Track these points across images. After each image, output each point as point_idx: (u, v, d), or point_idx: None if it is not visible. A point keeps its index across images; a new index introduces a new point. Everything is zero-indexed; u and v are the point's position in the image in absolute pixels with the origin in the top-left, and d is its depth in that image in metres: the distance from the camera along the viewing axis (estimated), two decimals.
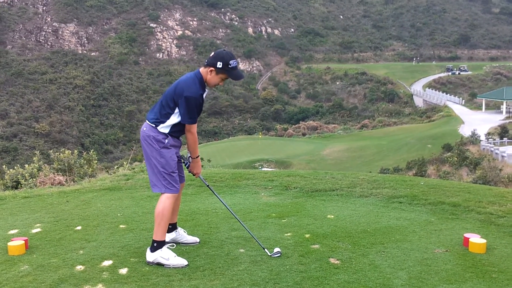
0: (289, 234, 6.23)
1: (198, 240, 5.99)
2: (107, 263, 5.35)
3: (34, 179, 11.15)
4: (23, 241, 5.77)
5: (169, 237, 5.82)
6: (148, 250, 5.40)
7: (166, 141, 5.43)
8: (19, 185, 11.19)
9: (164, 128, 5.41)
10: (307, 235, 6.17)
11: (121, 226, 6.64)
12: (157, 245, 5.38)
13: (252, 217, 6.94)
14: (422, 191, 8.16)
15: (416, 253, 5.61)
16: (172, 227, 5.89)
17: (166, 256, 5.35)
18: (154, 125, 5.41)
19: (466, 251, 5.70)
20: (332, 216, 6.97)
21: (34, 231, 6.50)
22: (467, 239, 5.81)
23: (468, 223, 6.72)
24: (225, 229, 6.43)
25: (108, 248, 5.80)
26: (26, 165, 12.33)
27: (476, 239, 5.76)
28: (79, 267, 5.23)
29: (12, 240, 5.82)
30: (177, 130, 5.46)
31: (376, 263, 5.31)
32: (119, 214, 7.21)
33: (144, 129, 5.50)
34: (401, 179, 9.28)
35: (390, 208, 7.41)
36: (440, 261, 5.38)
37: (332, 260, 5.36)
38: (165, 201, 5.47)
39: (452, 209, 7.26)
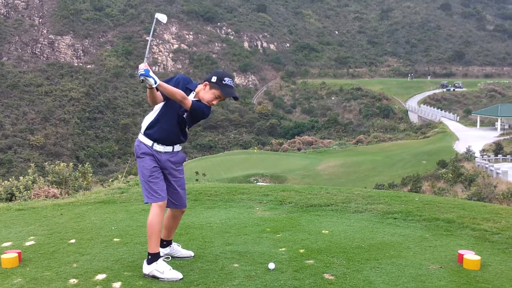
0: (283, 249, 6.21)
1: (192, 254, 5.97)
2: (100, 276, 5.31)
3: (28, 192, 11.12)
4: (17, 254, 5.74)
5: (163, 252, 5.79)
6: (145, 262, 5.38)
7: (139, 150, 5.52)
8: (14, 197, 11.15)
9: (141, 135, 5.58)
10: (301, 250, 6.16)
11: (115, 239, 6.61)
12: (151, 258, 5.35)
13: (247, 232, 6.92)
14: (417, 207, 8.16)
15: (411, 269, 5.60)
16: (166, 244, 5.86)
17: (161, 269, 5.30)
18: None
19: (460, 267, 5.69)
20: (327, 232, 6.97)
21: (27, 243, 6.47)
22: (461, 256, 5.80)
23: (462, 239, 6.72)
24: (220, 244, 6.40)
25: (101, 261, 5.77)
26: (21, 177, 12.29)
27: (470, 256, 5.75)
28: (73, 281, 5.19)
29: (5, 253, 5.79)
30: (152, 126, 5.51)
31: (371, 279, 5.30)
32: (113, 228, 7.18)
33: None
34: (396, 195, 9.29)
35: (385, 224, 7.41)
36: (434, 278, 5.37)
37: (326, 276, 5.35)
38: (152, 211, 5.40)
39: (446, 225, 7.26)
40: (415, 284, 5.19)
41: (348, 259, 5.89)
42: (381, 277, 5.36)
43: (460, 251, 5.91)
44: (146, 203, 5.51)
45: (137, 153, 5.53)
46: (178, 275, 5.29)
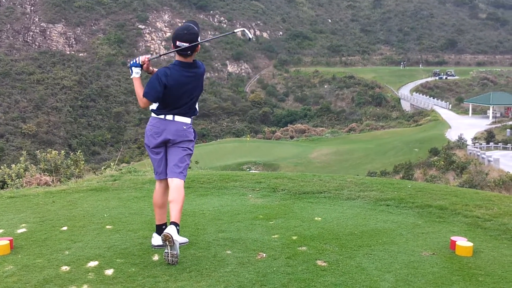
0: (276, 236, 6.21)
1: (187, 240, 5.97)
2: (92, 264, 5.30)
3: (20, 179, 11.06)
4: (8, 241, 5.71)
5: (160, 239, 5.76)
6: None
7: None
8: (5, 185, 11.10)
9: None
10: (294, 237, 6.15)
11: (107, 227, 6.59)
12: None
13: (240, 219, 6.91)
14: (409, 194, 8.16)
15: (403, 255, 5.61)
16: (165, 227, 5.79)
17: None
18: None
19: (453, 254, 5.70)
20: (320, 219, 6.97)
21: (19, 231, 6.44)
22: (454, 242, 5.82)
23: (455, 226, 6.74)
24: (212, 231, 6.39)
25: (94, 249, 5.75)
26: (13, 165, 12.24)
27: (463, 242, 5.77)
28: (65, 268, 5.18)
29: None
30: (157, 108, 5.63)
31: (363, 265, 5.31)
32: (105, 215, 7.15)
33: None
34: (389, 182, 9.29)
35: (378, 211, 7.41)
36: (427, 264, 5.39)
37: (319, 262, 5.35)
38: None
39: (439, 212, 7.27)
40: (407, 270, 5.21)
41: (341, 245, 5.89)
42: (374, 263, 5.37)
43: (453, 238, 5.93)
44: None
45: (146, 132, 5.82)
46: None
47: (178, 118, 5.61)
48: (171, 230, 5.18)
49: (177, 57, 5.56)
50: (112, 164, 14.68)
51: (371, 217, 7.10)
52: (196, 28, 5.56)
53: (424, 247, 5.92)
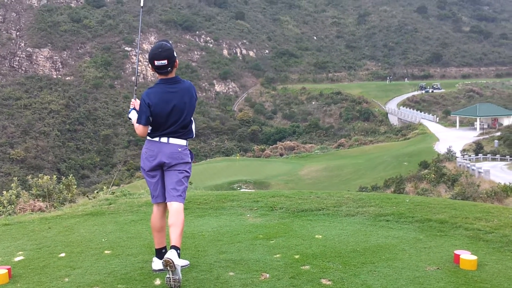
0: (278, 255, 6.14)
1: (188, 262, 5.89)
2: None
3: (12, 206, 10.95)
4: (6, 270, 5.61)
5: (161, 264, 5.67)
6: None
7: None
8: None
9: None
10: (296, 256, 6.09)
11: (106, 251, 6.49)
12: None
13: (240, 239, 6.84)
14: (408, 209, 8.13)
15: (408, 271, 5.56)
16: (165, 251, 5.72)
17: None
18: None
19: (457, 268, 5.67)
20: (320, 236, 6.91)
21: (16, 259, 6.33)
22: (457, 256, 5.78)
23: (456, 239, 6.70)
24: (213, 252, 6.32)
25: (94, 275, 5.66)
26: (4, 192, 12.12)
27: (467, 256, 5.73)
28: None
29: None
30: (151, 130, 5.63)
31: (369, 283, 5.25)
32: (103, 240, 7.05)
33: None
34: (386, 197, 9.26)
35: (378, 227, 7.36)
36: (432, 279, 5.34)
37: (324, 281, 5.29)
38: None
39: (439, 226, 7.24)
40: (413, 286, 5.16)
41: (344, 263, 5.83)
42: (379, 280, 5.32)
43: (456, 252, 5.89)
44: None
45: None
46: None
47: (172, 141, 5.57)
48: (171, 254, 5.10)
49: (159, 77, 5.60)
50: (105, 187, 14.59)
51: (372, 233, 7.05)
52: (169, 44, 5.60)
53: (428, 262, 5.87)
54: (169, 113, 5.51)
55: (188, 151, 5.72)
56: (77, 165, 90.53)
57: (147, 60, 5.62)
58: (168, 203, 5.58)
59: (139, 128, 5.54)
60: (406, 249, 6.31)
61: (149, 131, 5.61)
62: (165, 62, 5.45)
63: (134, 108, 5.74)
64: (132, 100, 5.84)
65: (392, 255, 6.09)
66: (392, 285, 5.19)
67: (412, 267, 5.68)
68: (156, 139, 5.58)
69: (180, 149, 5.60)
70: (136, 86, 6.17)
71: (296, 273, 5.52)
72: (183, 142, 5.65)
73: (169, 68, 5.52)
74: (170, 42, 5.70)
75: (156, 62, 5.44)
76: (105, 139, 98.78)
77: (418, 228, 7.21)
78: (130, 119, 5.74)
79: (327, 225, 7.50)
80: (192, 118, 5.76)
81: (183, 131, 5.63)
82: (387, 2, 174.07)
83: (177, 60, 5.59)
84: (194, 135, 5.84)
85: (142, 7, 6.45)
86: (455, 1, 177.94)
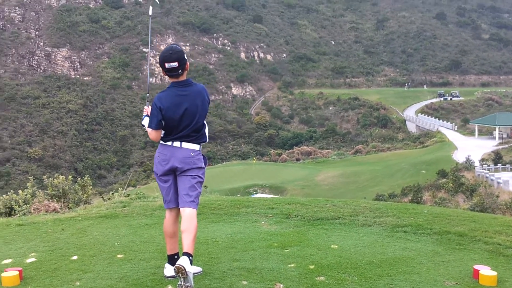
0: (293, 265, 6.03)
1: (201, 269, 5.81)
2: None
3: (27, 205, 10.93)
4: (18, 272, 5.56)
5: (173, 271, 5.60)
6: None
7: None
8: (13, 211, 10.97)
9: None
10: (311, 266, 5.98)
11: (118, 256, 6.43)
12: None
13: (254, 247, 6.73)
14: (427, 220, 7.97)
15: (425, 286, 5.43)
16: (177, 257, 5.64)
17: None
18: None
19: (476, 283, 5.52)
20: (336, 246, 6.78)
21: (28, 260, 6.29)
22: (477, 271, 5.62)
23: (476, 253, 6.53)
24: (227, 260, 6.22)
25: (105, 279, 5.59)
26: (20, 191, 12.11)
27: (486, 271, 5.57)
28: None
29: (6, 271, 5.61)
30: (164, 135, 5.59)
31: None
32: (116, 243, 6.99)
33: None
34: (404, 207, 9.10)
35: (395, 238, 7.21)
36: None
37: None
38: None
39: (458, 239, 7.07)
40: None
41: (360, 275, 5.71)
42: None
43: (476, 266, 5.73)
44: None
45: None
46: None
47: (185, 145, 5.51)
48: (183, 261, 5.02)
49: (170, 80, 5.56)
50: (120, 189, 14.54)
51: (389, 244, 6.90)
52: (179, 47, 5.56)
53: (446, 276, 5.73)
54: (181, 117, 5.44)
55: (202, 156, 5.64)
56: (94, 165, 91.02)
57: (159, 63, 5.57)
58: (181, 209, 5.51)
59: (152, 133, 5.50)
60: (424, 262, 6.17)
61: (162, 135, 5.54)
62: (175, 64, 5.39)
63: (147, 115, 5.69)
64: (145, 107, 5.80)
65: (409, 268, 5.95)
66: None
67: (430, 282, 5.54)
68: (169, 143, 5.52)
69: (193, 154, 5.52)
70: (148, 93, 6.10)
71: (311, 284, 5.42)
72: (196, 146, 5.57)
73: (180, 71, 5.45)
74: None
75: (166, 65, 5.39)
76: (122, 140, 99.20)
77: (436, 241, 7.05)
78: (143, 125, 5.70)
79: (343, 235, 7.37)
80: (205, 122, 5.68)
81: (195, 135, 5.55)
82: (406, 8, 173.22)
83: (188, 63, 5.53)
84: (208, 139, 5.76)
85: (150, 15, 6.40)
86: (474, 8, 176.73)
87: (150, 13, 6.42)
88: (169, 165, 5.50)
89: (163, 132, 5.54)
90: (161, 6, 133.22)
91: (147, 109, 5.71)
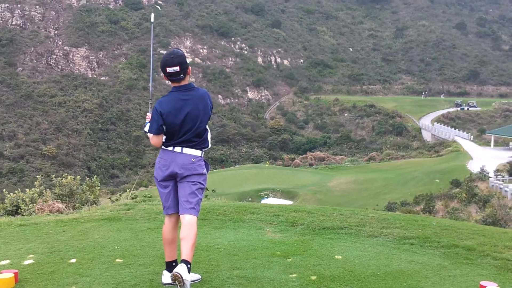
0: (294, 275, 5.88)
1: (200, 277, 5.68)
2: None
3: (34, 204, 10.88)
4: (13, 274, 5.46)
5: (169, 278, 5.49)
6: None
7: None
8: (19, 209, 10.93)
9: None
10: (313, 277, 5.82)
11: (117, 260, 6.32)
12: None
13: (256, 255, 6.59)
14: (435, 233, 7.78)
15: None
16: (175, 264, 5.54)
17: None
18: None
19: None
20: (340, 257, 6.62)
21: (26, 262, 6.20)
22: None
23: (483, 269, 6.34)
24: (227, 267, 6.09)
25: (102, 284, 5.48)
26: (27, 190, 12.07)
27: None
28: None
29: (1, 273, 5.52)
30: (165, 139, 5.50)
31: None
32: (116, 247, 6.88)
33: None
34: (412, 218, 8.92)
35: (401, 250, 7.03)
36: None
37: None
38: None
39: (466, 253, 6.88)
40: None
41: None
42: None
43: (482, 283, 5.55)
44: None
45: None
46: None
47: (186, 151, 5.41)
48: (181, 269, 4.90)
49: (172, 84, 5.48)
50: (128, 190, 14.48)
51: (395, 256, 6.73)
52: (181, 51, 5.51)
53: None
54: (182, 121, 5.35)
55: (203, 162, 5.53)
56: (107, 164, 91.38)
57: (160, 67, 5.46)
58: (181, 216, 5.40)
59: (153, 138, 5.42)
60: (430, 277, 5.99)
61: (164, 141, 5.42)
62: (177, 68, 5.31)
63: (149, 121, 5.60)
64: (148, 114, 5.72)
65: (414, 282, 5.78)
66: None
67: None
68: (170, 148, 5.42)
69: (194, 160, 5.41)
70: (151, 99, 5.99)
71: None
72: (197, 152, 5.45)
73: (182, 75, 5.37)
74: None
75: (168, 69, 5.31)
76: (136, 140, 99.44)
77: (443, 254, 6.87)
78: (146, 132, 5.59)
79: (348, 245, 7.20)
80: (207, 127, 5.56)
81: (197, 140, 5.44)
82: (425, 17, 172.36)
83: (189, 67, 5.45)
84: (210, 145, 5.64)
85: (152, 22, 6.33)
86: (495, 19, 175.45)
87: (152, 19, 6.35)
88: (169, 171, 5.40)
89: (164, 137, 5.43)
90: (180, 10, 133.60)
91: (149, 115, 5.63)
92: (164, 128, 5.36)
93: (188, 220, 5.30)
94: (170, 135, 5.40)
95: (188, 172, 5.38)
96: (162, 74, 5.54)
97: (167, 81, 5.51)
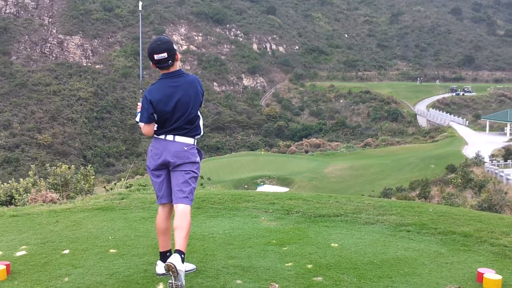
0: (290, 264, 5.82)
1: (194, 267, 5.62)
2: None
3: (28, 194, 10.80)
4: (5, 266, 5.38)
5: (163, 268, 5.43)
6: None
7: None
8: (13, 199, 10.85)
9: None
10: (309, 266, 5.76)
11: (111, 250, 6.24)
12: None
13: (251, 244, 6.52)
14: (431, 219, 7.72)
15: None
16: (169, 254, 5.46)
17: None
18: None
19: (480, 287, 5.28)
20: (336, 245, 6.55)
21: (18, 253, 6.12)
22: (481, 275, 5.39)
23: (481, 255, 6.28)
24: (222, 257, 6.02)
25: (95, 276, 5.40)
26: (21, 179, 12.00)
27: (491, 275, 5.33)
28: None
29: None
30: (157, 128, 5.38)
31: None
32: (110, 237, 6.81)
33: None
34: (409, 205, 8.86)
35: (398, 237, 6.97)
36: None
37: None
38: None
39: (463, 239, 6.82)
40: None
41: (359, 276, 5.49)
42: None
43: (480, 270, 5.50)
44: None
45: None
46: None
47: (179, 139, 5.30)
48: (175, 259, 4.82)
49: (161, 72, 5.37)
50: (122, 179, 14.41)
51: (391, 244, 6.67)
52: (167, 38, 5.41)
53: (449, 279, 5.49)
54: (173, 108, 5.23)
55: (196, 150, 5.42)
56: (103, 152, 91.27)
57: (147, 55, 5.35)
58: (174, 205, 5.31)
59: (144, 127, 5.31)
60: (427, 264, 5.93)
61: (155, 129, 5.33)
62: (165, 55, 5.21)
63: (140, 111, 5.49)
64: (139, 103, 5.58)
65: (411, 270, 5.72)
66: None
67: (432, 285, 5.32)
68: (162, 136, 5.32)
69: (186, 148, 5.31)
70: (141, 89, 5.87)
71: (308, 285, 5.21)
72: (190, 140, 5.35)
73: (170, 61, 5.26)
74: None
75: (155, 56, 5.22)
76: (132, 128, 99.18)
77: (440, 241, 6.81)
78: (137, 122, 5.49)
79: (344, 233, 7.14)
80: (199, 114, 5.46)
81: (189, 127, 5.33)
82: (421, 2, 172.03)
83: (178, 53, 5.34)
84: (202, 132, 5.53)
85: (140, 10, 6.18)
86: (490, 4, 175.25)
87: (140, 8, 6.22)
88: (161, 159, 5.30)
89: (156, 125, 5.34)
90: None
91: (140, 105, 5.51)
92: (155, 116, 5.25)
93: (182, 210, 5.21)
94: (162, 123, 5.29)
95: (181, 161, 5.28)
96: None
97: (156, 69, 5.41)
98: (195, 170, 5.39)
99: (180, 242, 5.04)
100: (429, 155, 60.59)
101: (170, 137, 5.29)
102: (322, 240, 6.76)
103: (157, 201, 5.57)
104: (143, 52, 6.03)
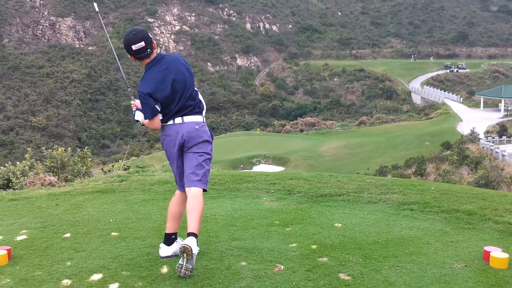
0: (294, 244, 5.76)
1: (199, 249, 5.55)
2: (96, 276, 4.89)
3: (25, 178, 10.70)
4: (6, 251, 5.31)
5: (171, 250, 5.37)
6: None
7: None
8: (10, 183, 10.74)
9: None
10: (313, 246, 5.70)
11: (113, 233, 6.17)
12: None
13: (254, 225, 6.46)
14: (434, 197, 7.67)
15: (433, 268, 5.15)
16: (174, 237, 5.41)
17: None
18: None
19: (486, 266, 5.23)
20: (340, 225, 6.50)
21: (19, 238, 6.04)
22: (487, 253, 5.34)
23: (486, 233, 6.24)
24: (225, 239, 5.96)
25: (98, 259, 5.33)
26: (18, 163, 11.88)
27: (498, 253, 5.29)
28: (66, 281, 4.78)
29: None
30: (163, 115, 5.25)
31: (391, 279, 4.85)
32: (111, 220, 6.74)
33: None
34: (410, 183, 8.80)
35: (401, 216, 6.92)
36: (459, 278, 4.92)
37: (342, 276, 4.90)
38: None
39: (467, 217, 6.77)
40: (439, 285, 4.75)
41: (365, 256, 5.44)
42: (402, 277, 4.92)
43: (486, 248, 5.45)
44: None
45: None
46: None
47: (187, 119, 5.19)
48: (191, 242, 4.77)
49: (142, 64, 5.24)
50: (120, 160, 14.31)
51: (395, 223, 6.62)
52: (141, 28, 5.30)
53: (455, 258, 5.45)
54: (172, 90, 5.12)
55: (207, 128, 5.32)
56: (98, 134, 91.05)
57: (124, 48, 5.19)
58: (186, 188, 5.20)
59: (151, 123, 5.17)
60: (432, 243, 5.89)
61: (161, 118, 5.23)
62: (142, 44, 5.06)
63: (137, 109, 5.37)
64: (132, 102, 5.50)
65: (416, 249, 5.67)
66: (416, 283, 4.79)
67: (438, 264, 5.27)
68: (170, 122, 5.20)
69: (197, 127, 5.20)
70: (129, 87, 5.72)
71: (313, 266, 5.15)
72: (199, 118, 5.25)
73: (149, 50, 5.13)
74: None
75: (133, 47, 5.06)
76: (126, 110, 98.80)
77: (444, 219, 6.76)
78: (138, 121, 5.35)
79: (347, 213, 7.09)
80: (196, 88, 5.34)
81: (192, 103, 5.22)
82: None
83: (154, 42, 5.20)
84: (205, 107, 5.42)
85: (98, 12, 6.04)
86: None
87: (96, 9, 6.06)
88: (177, 145, 5.20)
89: (161, 116, 5.23)
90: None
91: (135, 103, 5.41)
92: (158, 107, 5.14)
93: (194, 193, 5.11)
94: (166, 108, 5.17)
95: (194, 141, 5.18)
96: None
97: (134, 62, 5.27)
98: (209, 152, 5.30)
99: (193, 225, 4.96)
100: (424, 133, 60.67)
101: (178, 120, 5.18)
102: (325, 220, 6.70)
103: (177, 188, 5.48)
104: (117, 51, 5.92)
